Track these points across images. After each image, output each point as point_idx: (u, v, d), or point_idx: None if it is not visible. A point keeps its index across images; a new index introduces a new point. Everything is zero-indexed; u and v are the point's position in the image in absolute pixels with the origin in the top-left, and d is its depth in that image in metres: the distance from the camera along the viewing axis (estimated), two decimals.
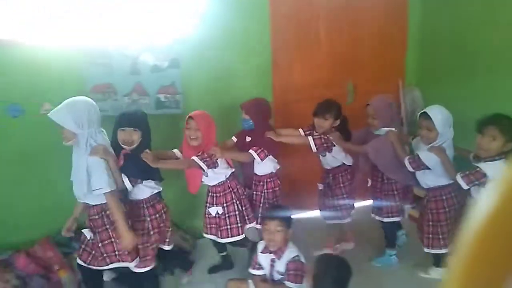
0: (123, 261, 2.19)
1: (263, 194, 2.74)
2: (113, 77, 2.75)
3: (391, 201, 2.69)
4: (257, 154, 2.56)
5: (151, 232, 2.33)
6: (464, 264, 0.35)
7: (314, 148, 2.60)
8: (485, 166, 2.11)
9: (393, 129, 2.56)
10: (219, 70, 3.07)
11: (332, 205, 2.85)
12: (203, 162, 2.38)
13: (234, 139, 2.77)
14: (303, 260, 2.12)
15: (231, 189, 2.59)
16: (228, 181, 2.58)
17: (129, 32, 2.74)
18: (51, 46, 2.59)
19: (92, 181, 2.04)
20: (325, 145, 2.60)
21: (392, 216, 2.73)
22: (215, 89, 3.08)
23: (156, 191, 2.38)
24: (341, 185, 2.79)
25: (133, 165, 2.21)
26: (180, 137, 2.69)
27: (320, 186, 2.94)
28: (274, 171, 2.73)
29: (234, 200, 2.58)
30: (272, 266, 2.18)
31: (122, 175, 2.17)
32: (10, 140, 2.65)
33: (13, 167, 2.69)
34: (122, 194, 2.22)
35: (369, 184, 2.86)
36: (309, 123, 2.76)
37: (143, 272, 2.31)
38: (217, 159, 2.44)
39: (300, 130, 2.78)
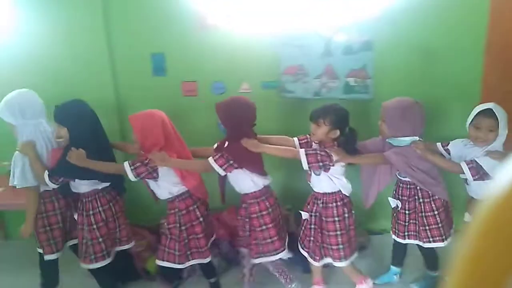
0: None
1: (247, 219, 2.22)
2: (306, 59, 2.73)
3: (433, 223, 2.21)
4: (215, 161, 2.06)
5: (94, 227, 2.19)
6: (465, 265, 0.35)
7: (305, 165, 2.07)
8: None
9: (417, 138, 2.12)
10: (417, 53, 2.72)
11: (320, 241, 2.22)
12: (131, 169, 2.05)
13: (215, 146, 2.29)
14: None
15: (177, 210, 2.16)
16: (177, 200, 2.16)
17: (324, 12, 2.67)
18: (251, 29, 2.73)
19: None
20: (320, 163, 2.06)
21: (434, 241, 2.24)
22: (411, 75, 2.75)
23: (96, 186, 2.21)
24: (336, 218, 2.17)
25: (57, 163, 2.12)
26: (369, 124, 2.51)
27: (305, 215, 2.28)
28: (258, 190, 2.18)
29: (178, 225, 2.15)
30: None
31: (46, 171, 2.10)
32: (212, 115, 2.92)
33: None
34: (64, 187, 2.20)
35: (396, 205, 2.33)
36: None
37: (93, 270, 2.23)
38: (155, 168, 2.07)
39: (295, 139, 2.27)
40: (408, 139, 2.11)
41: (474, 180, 2.02)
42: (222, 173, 2.09)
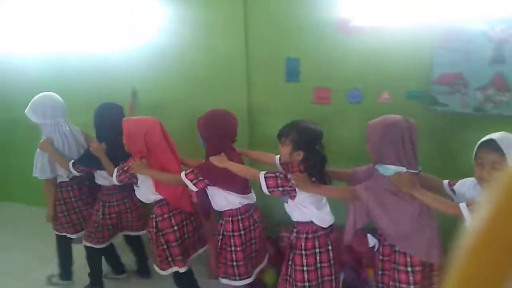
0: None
1: (221, 237, 2.13)
2: (467, 66, 2.23)
3: (404, 282, 1.74)
4: (185, 175, 2.04)
5: (107, 216, 2.55)
6: (464, 267, 0.34)
7: (265, 189, 1.87)
8: None
9: (404, 169, 1.68)
10: None
11: (285, 275, 2.00)
12: (116, 175, 2.26)
13: None
14: None
15: (155, 215, 2.25)
16: (156, 206, 2.26)
17: (495, 7, 2.14)
18: (398, 31, 2.36)
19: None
20: (280, 188, 1.85)
21: None
22: None
23: (106, 182, 2.52)
24: (303, 252, 1.92)
25: (82, 154, 2.53)
26: None
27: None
28: (234, 208, 2.09)
29: (155, 230, 2.24)
30: None
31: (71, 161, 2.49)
32: (345, 126, 2.65)
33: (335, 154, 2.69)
34: (86, 178, 2.67)
35: (373, 245, 1.92)
36: None
37: (88, 247, 2.58)
38: (134, 175, 2.23)
39: (276, 157, 2.09)
40: (393, 169, 1.69)
41: None
42: (193, 188, 2.07)
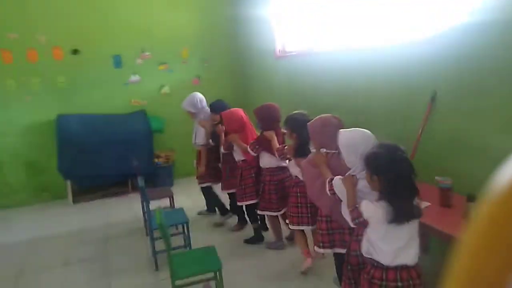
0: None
1: (262, 184, 3.48)
2: None
3: (319, 229, 2.62)
4: (250, 145, 3.42)
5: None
6: (465, 265, 0.34)
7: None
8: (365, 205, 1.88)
9: (324, 150, 2.47)
10: None
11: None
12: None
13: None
14: None
15: (241, 168, 3.65)
16: (241, 162, 3.62)
17: None
18: None
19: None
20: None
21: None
22: None
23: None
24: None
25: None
26: None
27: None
28: (273, 166, 3.37)
29: (240, 176, 3.66)
30: None
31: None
32: None
33: None
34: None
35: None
36: None
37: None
38: (230, 143, 3.64)
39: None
40: (317, 149, 2.51)
41: (330, 194, 2.27)
42: (253, 153, 3.38)
